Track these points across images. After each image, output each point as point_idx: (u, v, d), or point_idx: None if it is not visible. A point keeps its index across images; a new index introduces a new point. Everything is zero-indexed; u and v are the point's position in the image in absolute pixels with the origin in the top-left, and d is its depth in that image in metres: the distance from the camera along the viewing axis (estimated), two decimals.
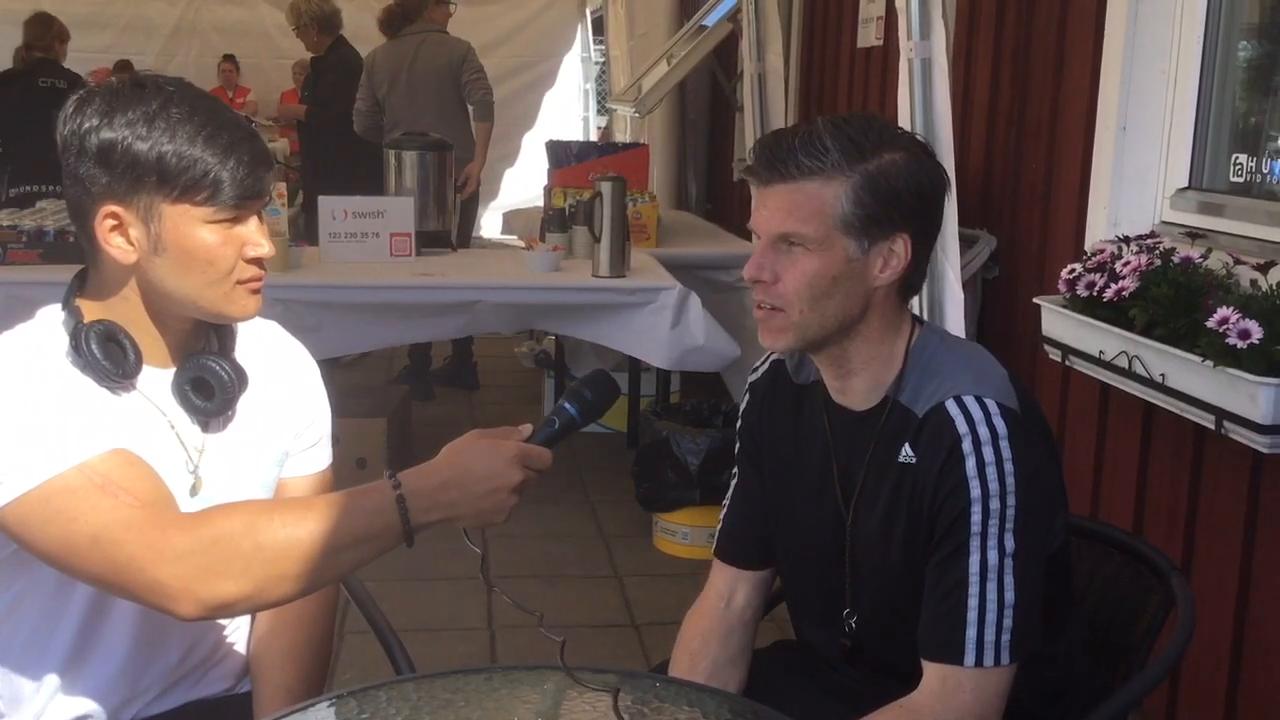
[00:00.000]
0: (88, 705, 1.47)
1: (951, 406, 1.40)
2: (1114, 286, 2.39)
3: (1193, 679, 2.42)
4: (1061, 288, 2.59)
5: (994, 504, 1.37)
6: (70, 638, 1.44)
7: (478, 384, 5.81)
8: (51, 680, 1.46)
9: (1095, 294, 2.45)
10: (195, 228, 1.34)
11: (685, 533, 3.83)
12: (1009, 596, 1.37)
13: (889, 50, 4.05)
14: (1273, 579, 2.22)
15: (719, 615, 1.66)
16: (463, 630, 3.27)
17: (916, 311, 1.85)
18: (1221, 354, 2.07)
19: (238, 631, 1.61)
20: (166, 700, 1.53)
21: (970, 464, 1.37)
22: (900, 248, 1.42)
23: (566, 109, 10.00)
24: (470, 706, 1.28)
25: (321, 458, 1.63)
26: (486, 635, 3.26)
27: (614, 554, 3.89)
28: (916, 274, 1.47)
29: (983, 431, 1.38)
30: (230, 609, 1.29)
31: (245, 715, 1.54)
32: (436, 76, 5.49)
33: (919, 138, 1.49)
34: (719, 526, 1.71)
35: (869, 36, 4.43)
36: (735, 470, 1.71)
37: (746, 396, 1.68)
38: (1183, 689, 2.48)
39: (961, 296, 2.83)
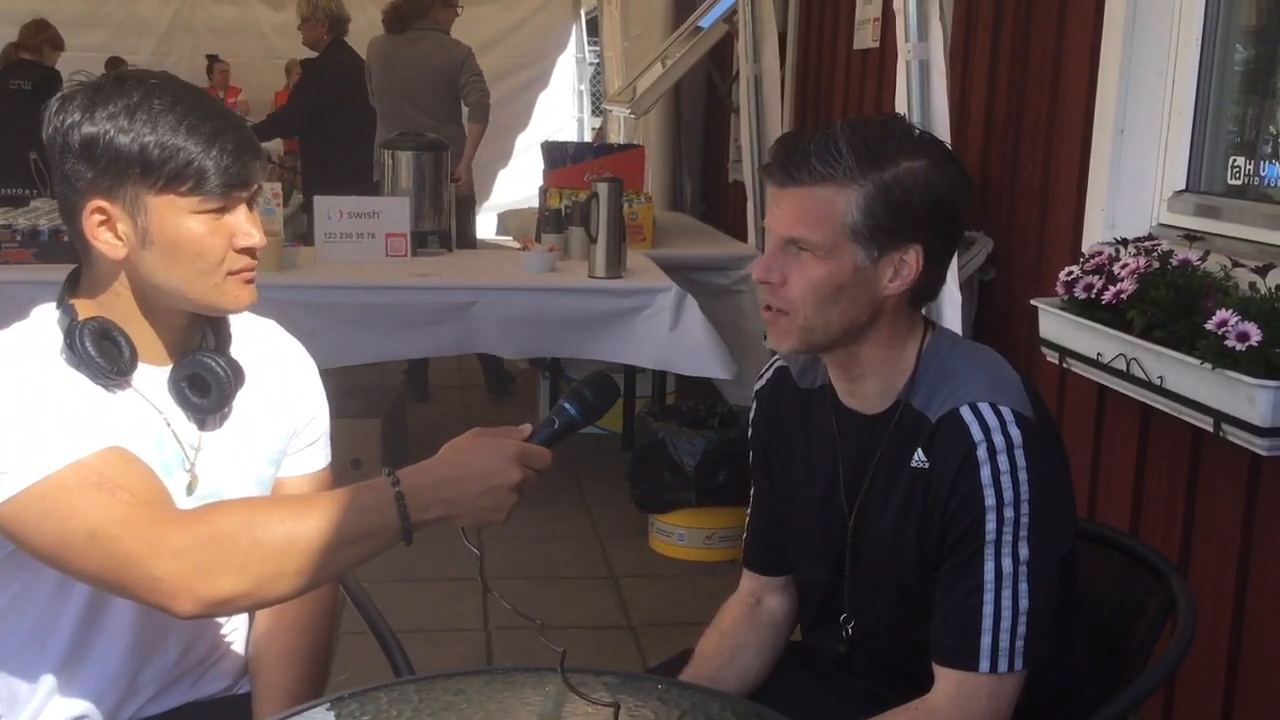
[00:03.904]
0: (85, 706, 1.46)
1: (966, 413, 1.40)
2: (1112, 289, 2.39)
3: (1190, 682, 2.41)
4: (1059, 290, 2.58)
5: (1009, 512, 1.37)
6: (67, 638, 1.43)
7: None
8: (49, 681, 1.45)
9: (1093, 296, 2.45)
10: (182, 218, 1.33)
11: (681, 534, 3.83)
12: (1023, 604, 1.38)
13: (885, 52, 4.05)
14: (1270, 582, 2.22)
15: (750, 608, 1.69)
16: (458, 631, 3.26)
17: None
18: (1220, 356, 2.06)
19: (236, 631, 1.60)
20: (164, 700, 1.52)
21: (985, 472, 1.37)
22: (912, 258, 1.41)
23: (561, 110, 9.99)
24: (472, 708, 1.27)
25: (319, 457, 1.62)
26: (482, 636, 3.25)
27: (610, 555, 3.88)
28: (931, 282, 1.46)
29: (998, 439, 1.38)
30: (228, 606, 1.28)
31: (244, 716, 1.53)
32: (433, 76, 5.49)
33: (944, 144, 1.46)
34: (744, 535, 1.73)
35: (865, 38, 4.42)
36: (753, 479, 1.71)
37: (754, 405, 1.68)
38: (1179, 692, 2.48)
39: (959, 298, 2.83)
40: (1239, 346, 2.02)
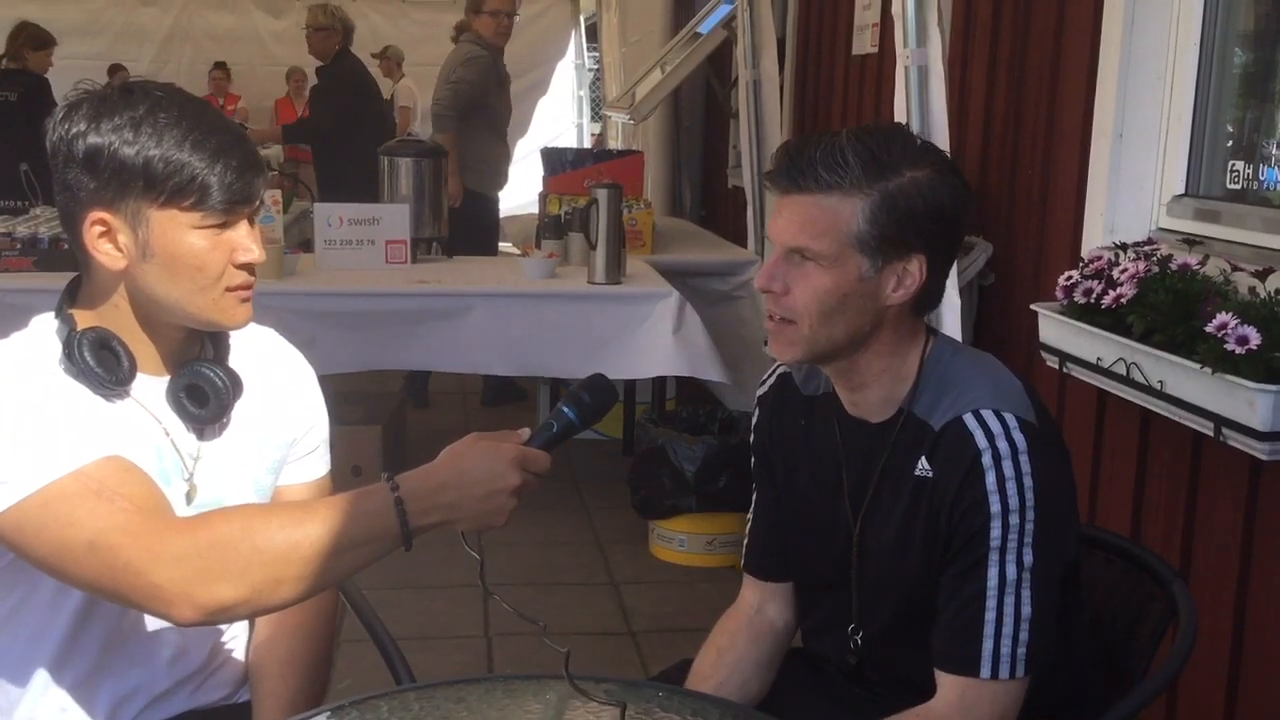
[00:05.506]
0: (79, 713, 1.46)
1: (970, 420, 1.40)
2: (1112, 293, 2.39)
3: (1191, 687, 2.41)
4: (1059, 294, 2.58)
5: (1014, 519, 1.37)
6: (60, 646, 1.43)
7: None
8: (43, 688, 1.44)
9: (1093, 301, 2.45)
10: (183, 233, 1.33)
11: (682, 539, 3.83)
12: (1026, 610, 1.38)
13: (884, 57, 4.05)
14: (1272, 586, 2.22)
15: (749, 619, 1.67)
16: (459, 638, 3.26)
17: None
18: (1220, 360, 2.06)
19: (236, 639, 1.60)
20: (163, 709, 1.51)
21: (991, 478, 1.37)
22: (915, 268, 1.42)
23: (560, 115, 10.02)
24: (473, 716, 1.27)
25: (319, 465, 1.62)
26: (483, 643, 3.25)
27: (610, 561, 3.88)
28: (933, 291, 1.46)
29: (1002, 445, 1.38)
30: (228, 613, 1.28)
31: None
32: (438, 84, 5.53)
33: (946, 155, 1.47)
34: (745, 541, 1.71)
35: (864, 44, 4.43)
36: (755, 486, 1.70)
37: (756, 411, 1.68)
38: (1181, 697, 2.47)
39: (958, 303, 2.83)
40: (1239, 350, 2.02)
